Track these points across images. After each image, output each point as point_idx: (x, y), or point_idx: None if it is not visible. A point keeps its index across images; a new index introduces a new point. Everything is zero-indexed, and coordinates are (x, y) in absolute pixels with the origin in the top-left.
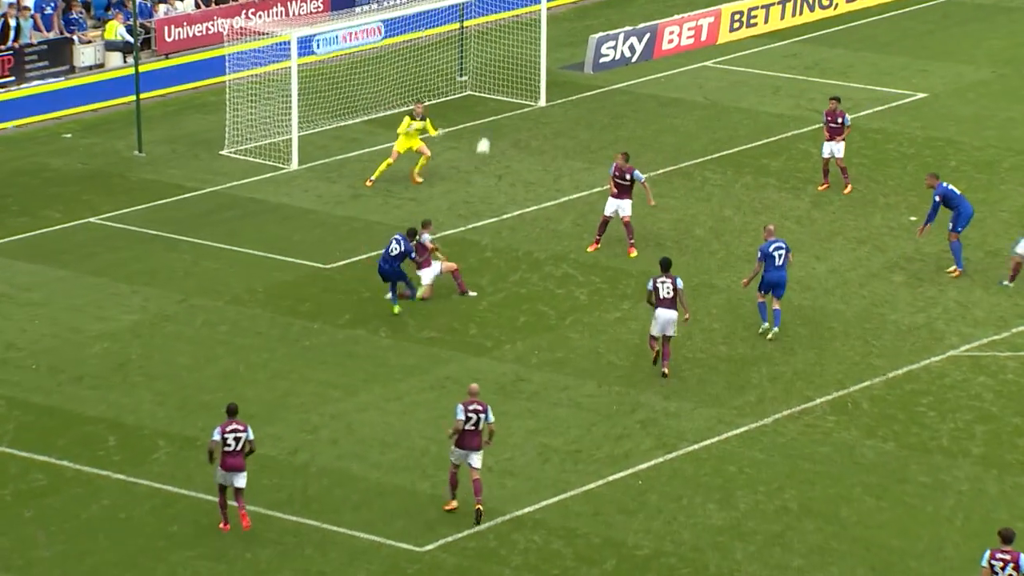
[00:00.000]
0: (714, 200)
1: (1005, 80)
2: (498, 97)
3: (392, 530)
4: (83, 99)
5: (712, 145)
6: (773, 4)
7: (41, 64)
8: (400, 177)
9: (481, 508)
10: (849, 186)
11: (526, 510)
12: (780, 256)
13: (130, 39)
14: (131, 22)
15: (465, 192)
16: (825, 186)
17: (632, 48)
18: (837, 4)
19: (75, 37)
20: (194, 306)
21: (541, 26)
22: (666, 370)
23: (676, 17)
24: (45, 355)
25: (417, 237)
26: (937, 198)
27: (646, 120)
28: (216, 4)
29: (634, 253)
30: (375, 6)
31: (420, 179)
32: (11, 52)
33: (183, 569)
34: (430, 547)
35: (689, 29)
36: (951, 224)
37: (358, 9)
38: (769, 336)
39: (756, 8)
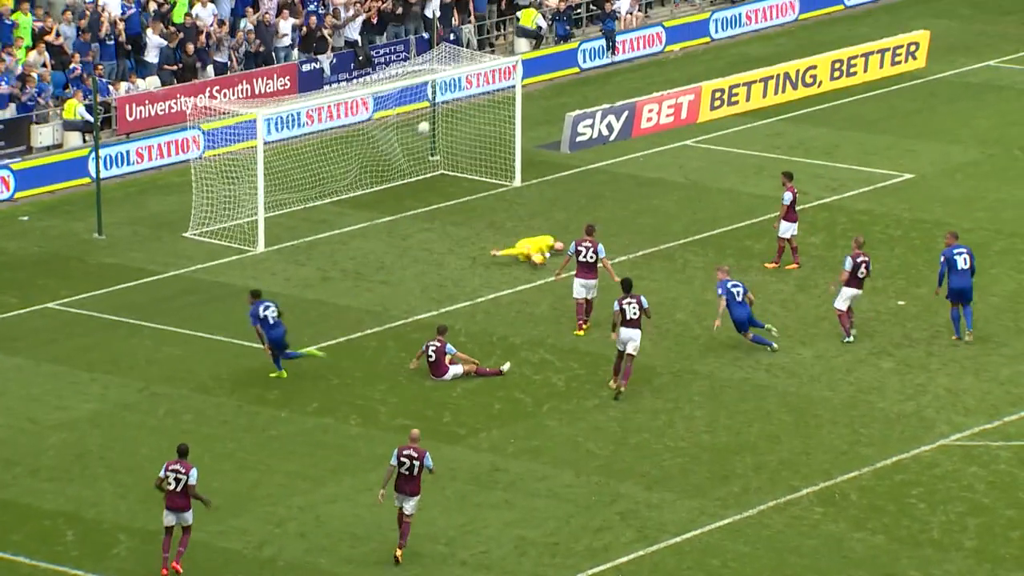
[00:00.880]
0: (696, 283)
1: (994, 160)
2: (472, 176)
3: None
4: (41, 180)
5: (693, 226)
6: (755, 82)
7: None
8: (371, 259)
9: (399, 555)
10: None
11: None
12: (738, 293)
13: (90, 118)
14: (91, 100)
15: (437, 275)
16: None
17: (610, 127)
18: (821, 82)
19: (32, 115)
20: (157, 394)
21: (516, 104)
22: (622, 387)
23: (655, 95)
24: None
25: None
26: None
27: (625, 200)
28: (178, 82)
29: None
30: (343, 85)
31: (540, 259)
32: None
33: None
34: None
35: (669, 107)
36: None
37: (326, 88)
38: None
39: (737, 86)
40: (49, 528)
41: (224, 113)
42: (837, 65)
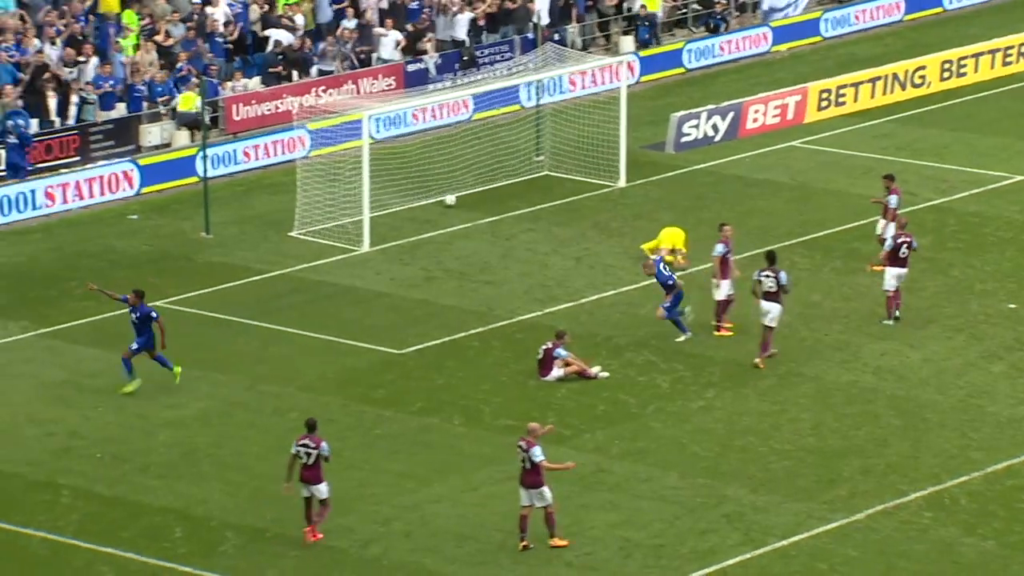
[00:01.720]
0: (802, 285)
1: None
2: (577, 177)
3: None
4: (149, 179)
5: (800, 228)
6: (863, 82)
7: (107, 144)
8: (475, 260)
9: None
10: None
11: None
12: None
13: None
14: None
15: (541, 275)
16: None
17: (715, 127)
18: (931, 83)
19: (141, 115)
20: (264, 393)
21: (621, 104)
22: (758, 361)
23: (761, 95)
24: (110, 444)
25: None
26: None
27: (731, 201)
28: (284, 82)
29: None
30: (448, 84)
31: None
32: (76, 132)
33: None
34: None
35: (775, 108)
36: None
37: (431, 87)
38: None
39: (845, 87)
40: (158, 524)
41: (330, 112)
42: (947, 66)
